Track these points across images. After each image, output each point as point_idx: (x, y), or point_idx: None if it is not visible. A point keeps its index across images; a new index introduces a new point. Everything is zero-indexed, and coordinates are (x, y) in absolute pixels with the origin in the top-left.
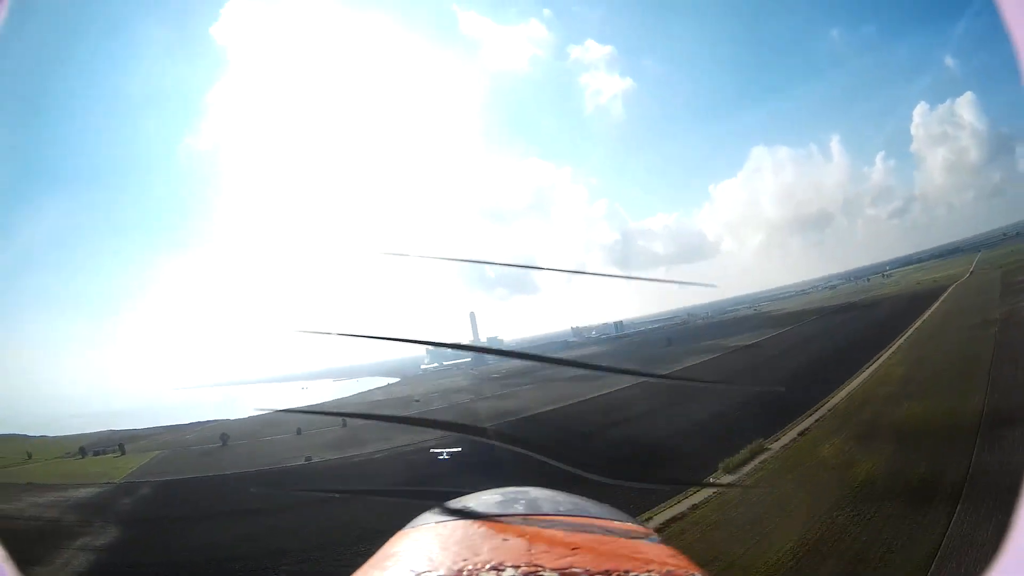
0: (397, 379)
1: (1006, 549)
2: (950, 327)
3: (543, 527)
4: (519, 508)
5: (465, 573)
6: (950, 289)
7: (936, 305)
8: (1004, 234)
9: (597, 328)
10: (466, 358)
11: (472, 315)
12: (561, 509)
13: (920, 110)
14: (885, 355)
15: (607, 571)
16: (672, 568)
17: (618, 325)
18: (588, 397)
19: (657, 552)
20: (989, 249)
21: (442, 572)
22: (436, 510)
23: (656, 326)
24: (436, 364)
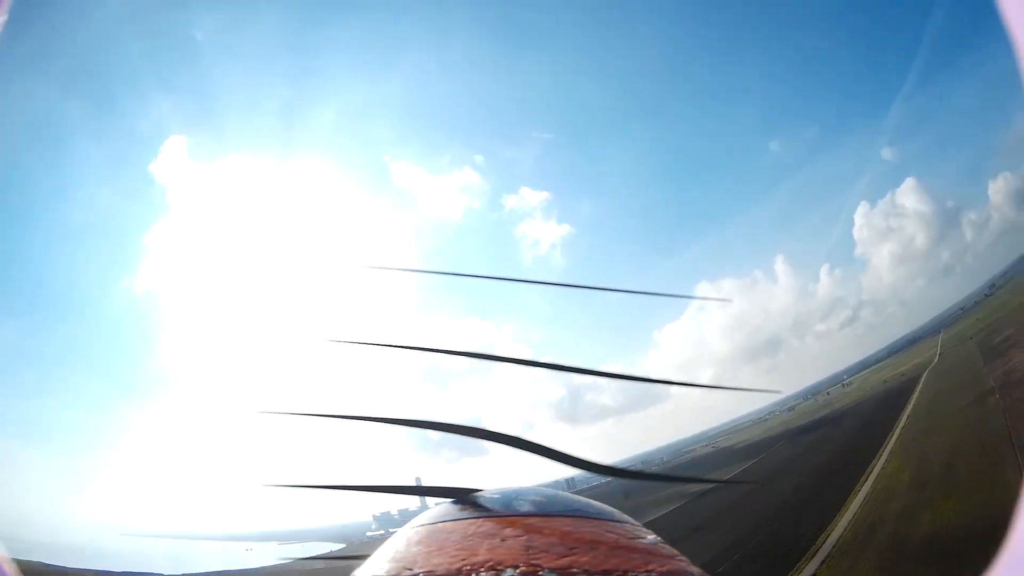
0: (343, 545)
1: (1006, 549)
2: (943, 412)
3: (542, 527)
4: (518, 508)
5: (463, 573)
6: (924, 376)
7: (915, 397)
8: (961, 308)
9: (549, 486)
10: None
11: (417, 480)
12: (560, 509)
13: (862, 211)
14: (877, 465)
15: (606, 571)
16: (671, 568)
17: (570, 482)
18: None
19: (656, 552)
20: (949, 327)
21: (440, 572)
22: (434, 510)
23: (609, 479)
24: (382, 531)
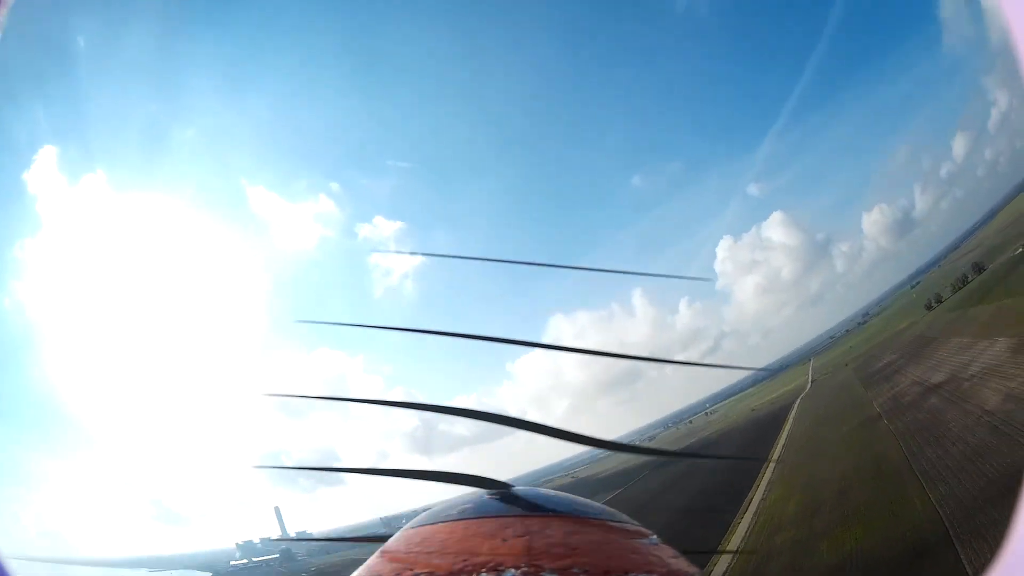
0: (209, 574)
1: (1006, 549)
2: (827, 438)
3: (543, 527)
4: (518, 508)
5: (464, 573)
6: (796, 403)
7: (789, 424)
8: (831, 336)
9: (407, 516)
10: (275, 554)
11: (277, 510)
12: (560, 509)
13: (725, 244)
14: (756, 495)
15: (606, 572)
16: (672, 569)
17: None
18: None
19: (657, 552)
20: (819, 355)
21: (441, 572)
22: (435, 510)
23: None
24: (245, 560)
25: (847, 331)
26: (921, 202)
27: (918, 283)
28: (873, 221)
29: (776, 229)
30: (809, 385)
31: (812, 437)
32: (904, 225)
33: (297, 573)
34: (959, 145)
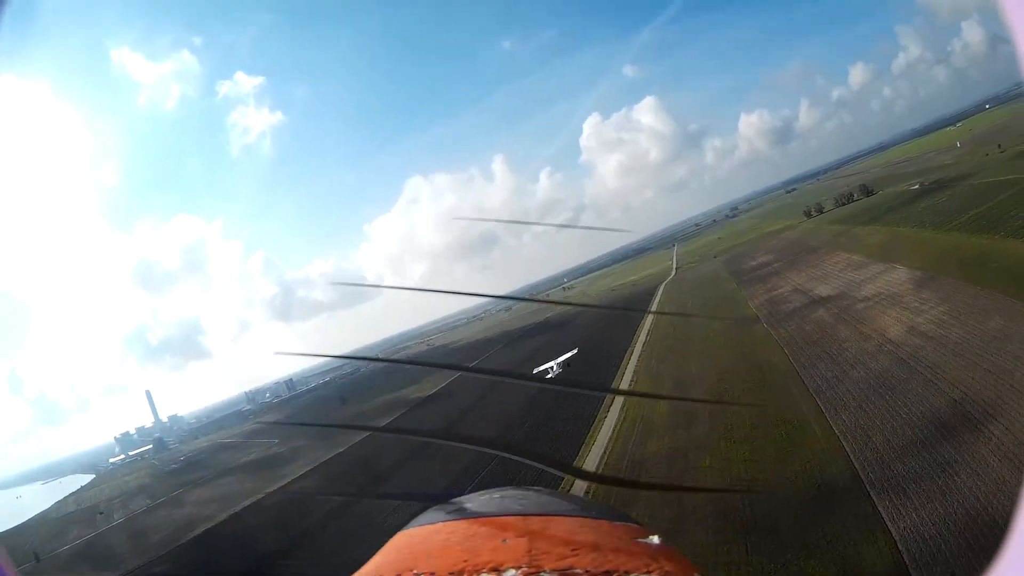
0: (92, 475)
1: (1006, 549)
2: (697, 334)
3: (543, 527)
4: (519, 508)
5: (465, 573)
6: (661, 288)
7: (653, 311)
8: (696, 224)
9: (271, 389)
10: (148, 445)
11: (148, 394)
12: (561, 509)
13: (592, 122)
14: (625, 382)
15: (607, 571)
16: (671, 568)
17: (289, 383)
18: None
19: (657, 552)
20: (683, 242)
21: (443, 572)
22: (436, 510)
23: (328, 379)
24: (123, 455)
25: (714, 221)
26: (806, 117)
27: (794, 189)
28: (751, 123)
29: (647, 113)
30: (674, 271)
31: (681, 330)
32: (783, 134)
33: (168, 464)
34: (857, 74)
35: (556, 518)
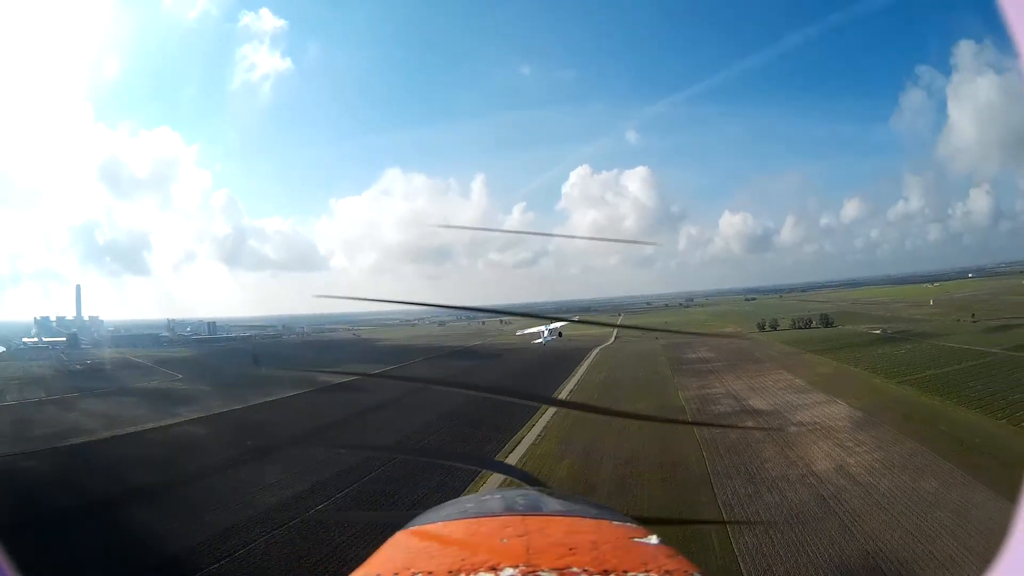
0: (2, 348)
1: (1006, 549)
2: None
3: (541, 527)
4: (516, 508)
5: (463, 572)
6: (595, 351)
7: (581, 372)
8: (647, 303)
9: (193, 325)
10: (62, 337)
11: (78, 288)
12: (559, 509)
13: (581, 172)
14: (532, 435)
15: (605, 571)
16: (670, 568)
17: (211, 326)
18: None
19: (655, 552)
20: (632, 316)
21: (440, 572)
22: (435, 510)
23: (250, 333)
24: (36, 339)
25: (666, 305)
26: (788, 233)
27: (754, 299)
28: (732, 223)
29: (636, 181)
30: (613, 338)
31: (604, 399)
32: (761, 243)
33: (74, 362)
34: (851, 208)
35: (555, 518)
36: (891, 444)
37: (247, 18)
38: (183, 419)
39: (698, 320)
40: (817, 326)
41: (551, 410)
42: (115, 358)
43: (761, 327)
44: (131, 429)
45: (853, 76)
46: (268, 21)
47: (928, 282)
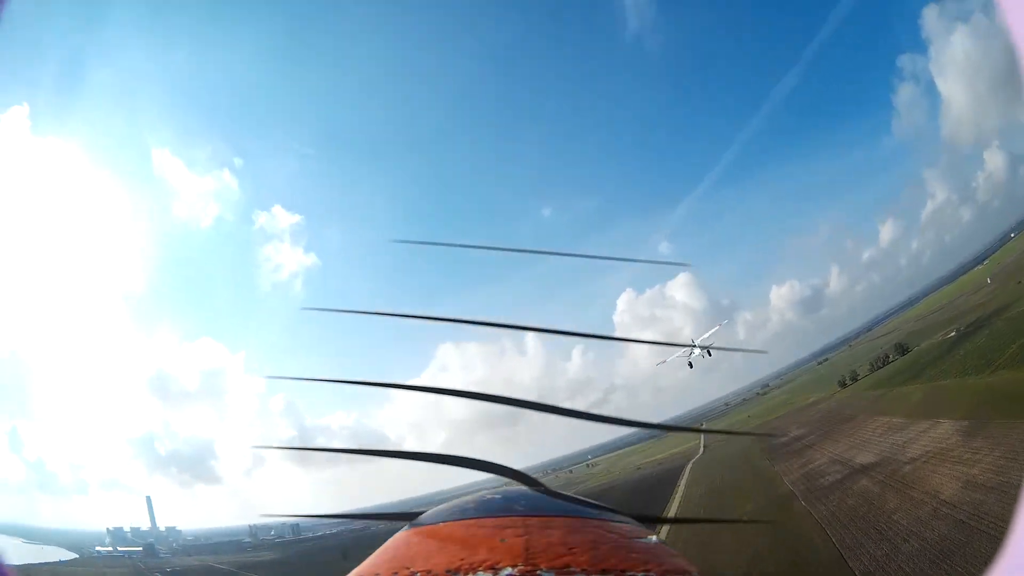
0: (75, 555)
1: (1006, 550)
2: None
3: (541, 527)
4: (516, 508)
5: (462, 572)
6: (688, 467)
7: (681, 491)
8: (726, 404)
9: (277, 528)
10: (139, 547)
11: (148, 499)
12: (559, 509)
13: (626, 297)
14: None
15: (604, 571)
16: (670, 568)
17: (295, 528)
18: None
19: (655, 552)
20: (712, 419)
21: (438, 571)
22: (434, 510)
23: (337, 529)
24: (111, 548)
25: (744, 400)
26: (836, 283)
27: (825, 360)
28: (782, 295)
29: (680, 289)
30: (702, 450)
31: (710, 511)
32: (814, 302)
33: (152, 571)
34: (887, 231)
35: (554, 518)
36: (1006, 435)
37: (262, 218)
38: None
39: (777, 402)
40: (894, 358)
41: None
42: (196, 565)
43: (842, 384)
44: None
45: (844, 99)
46: (283, 218)
47: (978, 264)
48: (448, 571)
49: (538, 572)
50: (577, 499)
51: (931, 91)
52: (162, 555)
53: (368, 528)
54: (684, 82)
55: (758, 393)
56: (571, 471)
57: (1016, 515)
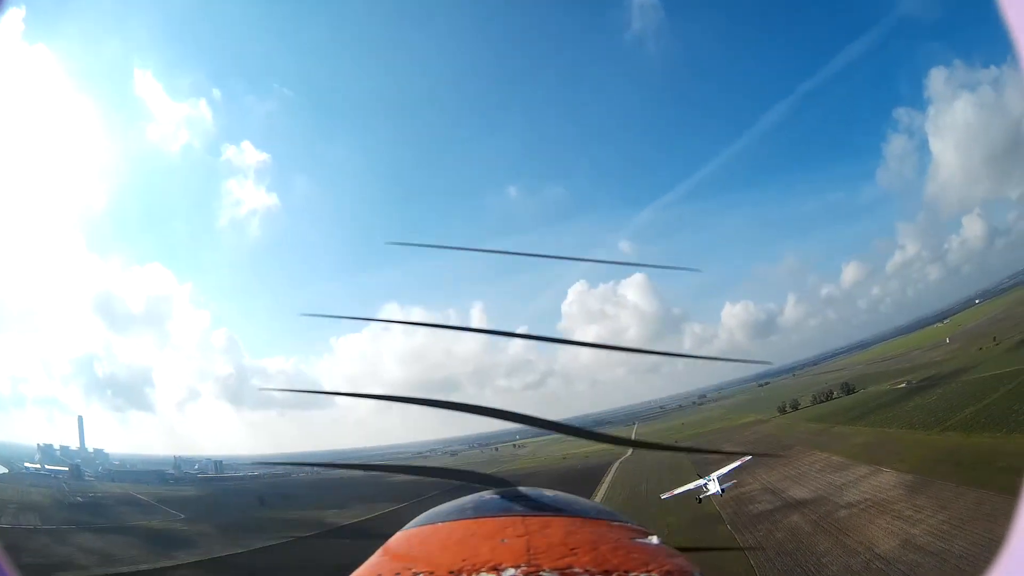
0: (4, 470)
1: (1006, 550)
2: (649, 527)
3: (542, 527)
4: (518, 508)
5: (464, 573)
6: (615, 465)
7: (604, 490)
8: (661, 407)
9: (200, 463)
10: (66, 467)
11: (80, 419)
12: (559, 510)
13: (578, 288)
14: None
15: (606, 571)
16: (671, 568)
17: (218, 464)
18: None
19: (656, 552)
20: (646, 422)
21: (441, 571)
22: (435, 511)
23: (258, 472)
24: (39, 465)
25: (679, 407)
26: (791, 311)
27: (767, 383)
28: (734, 313)
29: (634, 290)
30: (630, 451)
31: (637, 515)
32: (765, 327)
33: (74, 494)
34: (850, 273)
35: (555, 518)
36: (953, 499)
37: (229, 151)
38: (180, 562)
39: (714, 415)
40: (839, 395)
41: None
42: (117, 493)
43: (781, 410)
44: (124, 569)
45: (834, 140)
46: (251, 155)
47: (938, 321)
48: (451, 572)
49: (541, 573)
50: (576, 499)
51: (923, 148)
52: (87, 478)
53: (289, 476)
54: (673, 89)
55: (694, 403)
56: (497, 449)
57: (1016, 515)
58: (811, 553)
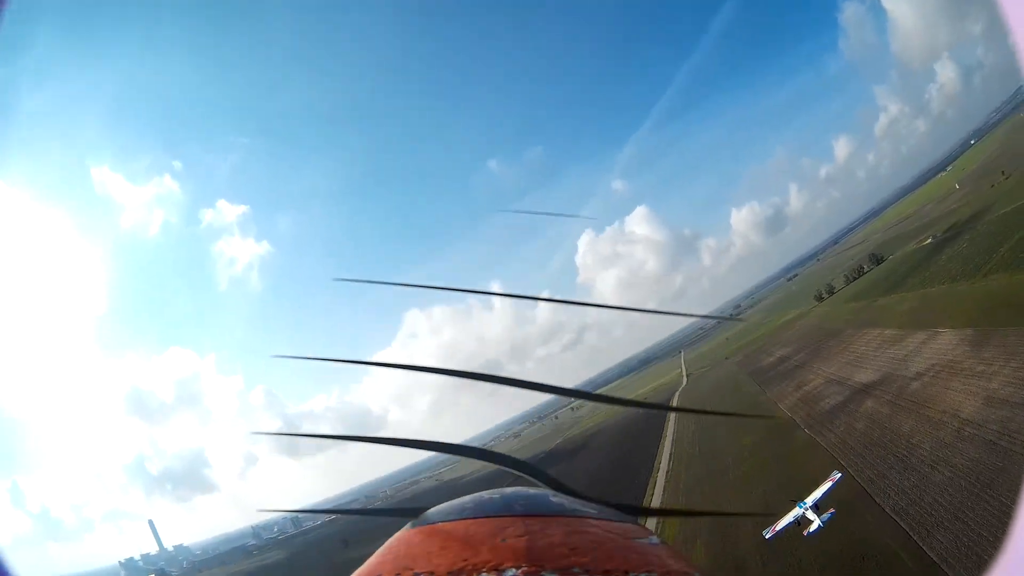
0: None
1: (1006, 550)
2: (727, 454)
3: (544, 527)
4: (519, 508)
5: (464, 572)
6: (675, 399)
7: (671, 430)
8: (700, 329)
9: (278, 524)
10: (150, 574)
11: (151, 522)
12: (560, 509)
13: (586, 239)
14: (650, 525)
15: (606, 571)
16: (671, 568)
17: (295, 520)
18: None
19: (657, 552)
20: (689, 347)
21: (441, 571)
22: (435, 510)
23: (334, 518)
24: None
25: (718, 323)
26: (796, 200)
27: (795, 275)
28: (743, 218)
29: (640, 223)
30: (685, 380)
31: (707, 450)
32: (776, 222)
33: None
34: (842, 147)
35: (556, 518)
36: (1020, 343)
37: (208, 215)
38: None
39: (758, 321)
40: (870, 268)
41: None
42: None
43: (818, 298)
44: None
45: (787, 21)
46: (229, 211)
47: (941, 171)
48: (451, 572)
49: (542, 573)
50: (577, 499)
51: (877, 7)
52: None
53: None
54: (618, 18)
55: (731, 315)
56: (557, 416)
57: (1016, 515)
58: (898, 436)
